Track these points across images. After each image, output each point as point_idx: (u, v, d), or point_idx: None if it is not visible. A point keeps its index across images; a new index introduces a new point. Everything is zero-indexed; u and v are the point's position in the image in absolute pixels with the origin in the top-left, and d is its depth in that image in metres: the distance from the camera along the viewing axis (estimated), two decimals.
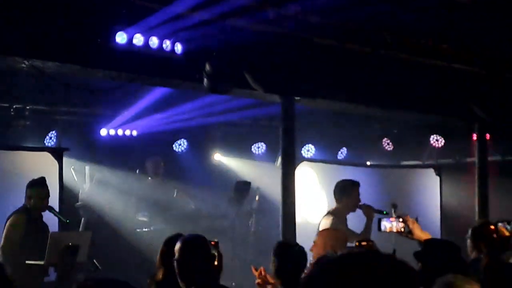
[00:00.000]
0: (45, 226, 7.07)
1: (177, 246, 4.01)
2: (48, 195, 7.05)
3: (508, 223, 5.63)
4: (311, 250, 5.35)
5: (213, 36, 6.54)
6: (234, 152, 11.16)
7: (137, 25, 6.38)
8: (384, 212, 7.19)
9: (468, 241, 5.62)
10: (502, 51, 8.10)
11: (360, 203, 7.45)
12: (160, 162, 9.71)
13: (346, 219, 7.50)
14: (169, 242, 4.42)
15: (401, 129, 11.35)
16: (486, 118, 9.16)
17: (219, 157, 11.17)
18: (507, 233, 5.59)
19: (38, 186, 7.02)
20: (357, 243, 4.25)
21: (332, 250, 4.76)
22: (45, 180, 7.09)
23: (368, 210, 7.34)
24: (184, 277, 3.95)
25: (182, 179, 10.23)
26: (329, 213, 7.52)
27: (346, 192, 7.49)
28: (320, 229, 6.95)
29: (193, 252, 4.01)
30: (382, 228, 5.37)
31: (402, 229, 5.18)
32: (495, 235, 5.62)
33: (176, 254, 3.98)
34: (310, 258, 4.70)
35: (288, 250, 4.75)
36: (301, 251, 4.73)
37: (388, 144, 11.57)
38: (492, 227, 5.69)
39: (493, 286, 3.81)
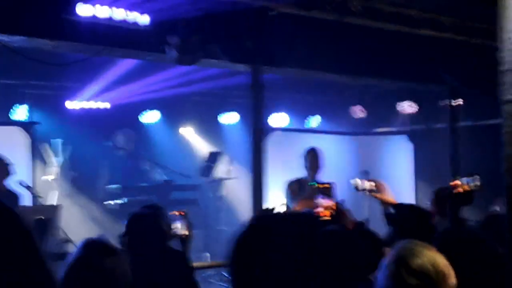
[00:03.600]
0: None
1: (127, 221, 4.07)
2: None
3: (471, 176, 5.59)
4: None
5: (178, 6, 6.50)
6: (206, 121, 11.14)
7: None
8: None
9: (431, 206, 5.69)
10: (470, 16, 8.12)
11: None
12: (131, 134, 9.69)
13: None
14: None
15: (373, 96, 11.38)
16: (456, 84, 9.22)
17: (191, 125, 11.12)
18: (467, 188, 5.60)
19: None
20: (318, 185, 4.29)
21: None
22: None
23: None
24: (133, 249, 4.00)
25: (154, 150, 10.23)
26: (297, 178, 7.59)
27: (304, 159, 7.58)
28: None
29: (141, 226, 4.06)
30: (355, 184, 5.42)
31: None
32: (460, 189, 5.61)
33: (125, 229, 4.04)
34: None
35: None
36: None
37: (361, 111, 11.60)
38: (458, 182, 5.67)
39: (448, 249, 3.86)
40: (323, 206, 4.06)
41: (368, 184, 5.32)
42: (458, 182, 5.64)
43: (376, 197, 5.26)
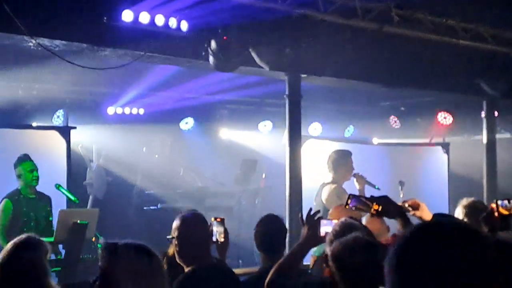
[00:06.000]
0: (43, 202, 7.12)
1: (176, 224, 4.02)
2: (35, 168, 7.08)
3: (509, 202, 5.50)
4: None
5: (218, 13, 6.51)
6: (241, 130, 11.15)
7: (143, 3, 6.36)
8: (376, 187, 7.36)
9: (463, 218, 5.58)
10: (510, 27, 8.03)
11: (354, 172, 7.53)
12: (166, 140, 9.72)
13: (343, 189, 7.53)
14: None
15: (408, 107, 11.30)
16: (494, 95, 9.10)
17: (226, 133, 11.15)
18: (506, 212, 5.51)
19: (22, 161, 7.08)
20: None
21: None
22: (28, 156, 7.11)
23: (361, 179, 7.51)
24: (183, 254, 3.97)
25: (189, 157, 10.25)
26: (329, 183, 7.56)
27: (341, 162, 7.59)
28: (325, 197, 7.30)
29: (192, 229, 4.02)
30: None
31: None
32: (496, 214, 5.54)
33: (176, 232, 3.98)
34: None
35: (269, 223, 4.88)
36: (282, 224, 4.87)
37: (395, 121, 11.53)
38: (493, 205, 5.61)
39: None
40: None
41: (406, 205, 5.25)
42: (495, 205, 5.53)
43: (415, 215, 5.20)
